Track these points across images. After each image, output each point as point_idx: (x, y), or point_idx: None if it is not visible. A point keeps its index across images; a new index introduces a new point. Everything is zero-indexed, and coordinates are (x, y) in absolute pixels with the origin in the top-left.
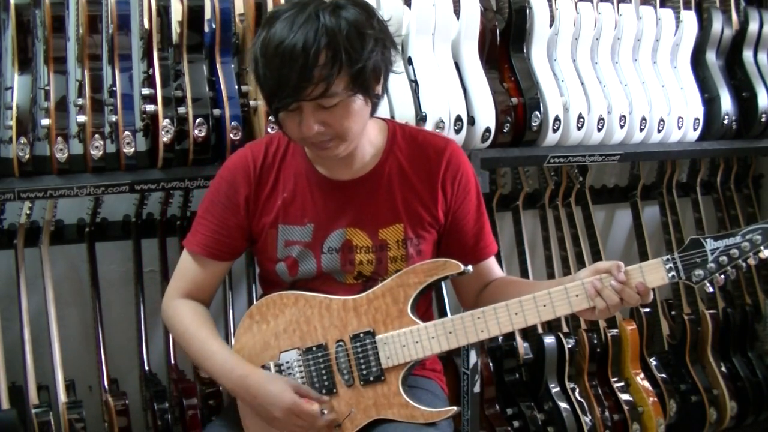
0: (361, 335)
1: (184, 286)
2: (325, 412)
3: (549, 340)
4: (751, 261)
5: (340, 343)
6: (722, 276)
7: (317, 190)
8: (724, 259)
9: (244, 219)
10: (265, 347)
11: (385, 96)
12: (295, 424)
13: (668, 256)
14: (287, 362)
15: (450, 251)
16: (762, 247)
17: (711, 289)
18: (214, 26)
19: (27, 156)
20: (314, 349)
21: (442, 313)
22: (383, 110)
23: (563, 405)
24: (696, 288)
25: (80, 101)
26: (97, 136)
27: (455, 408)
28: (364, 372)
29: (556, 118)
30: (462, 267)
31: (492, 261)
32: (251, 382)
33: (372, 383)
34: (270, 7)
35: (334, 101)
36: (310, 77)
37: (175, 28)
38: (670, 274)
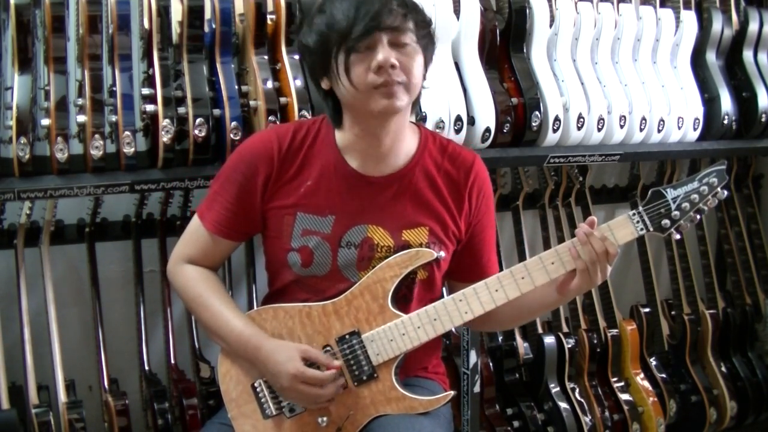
0: (347, 337)
1: (191, 254)
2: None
3: (549, 340)
4: (711, 203)
5: (327, 348)
6: (687, 222)
7: (344, 183)
8: (686, 205)
9: (260, 202)
10: (252, 365)
11: None
12: (302, 391)
13: (634, 211)
14: None
15: (462, 265)
16: (719, 189)
17: (678, 236)
18: (214, 26)
19: (27, 156)
20: None
21: None
22: None
23: (563, 405)
24: (664, 237)
25: (80, 101)
26: (97, 136)
27: (453, 392)
28: (356, 372)
29: (556, 118)
30: (435, 254)
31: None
32: (263, 354)
33: (366, 382)
34: (270, 7)
35: (406, 39)
36: (390, 8)
37: (175, 28)
38: (638, 227)
